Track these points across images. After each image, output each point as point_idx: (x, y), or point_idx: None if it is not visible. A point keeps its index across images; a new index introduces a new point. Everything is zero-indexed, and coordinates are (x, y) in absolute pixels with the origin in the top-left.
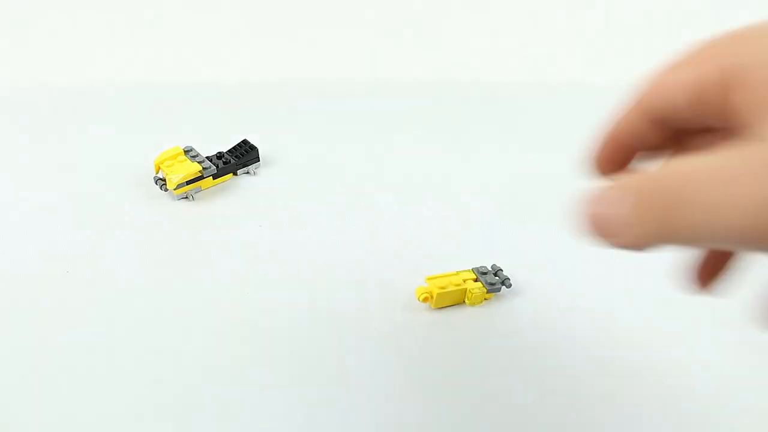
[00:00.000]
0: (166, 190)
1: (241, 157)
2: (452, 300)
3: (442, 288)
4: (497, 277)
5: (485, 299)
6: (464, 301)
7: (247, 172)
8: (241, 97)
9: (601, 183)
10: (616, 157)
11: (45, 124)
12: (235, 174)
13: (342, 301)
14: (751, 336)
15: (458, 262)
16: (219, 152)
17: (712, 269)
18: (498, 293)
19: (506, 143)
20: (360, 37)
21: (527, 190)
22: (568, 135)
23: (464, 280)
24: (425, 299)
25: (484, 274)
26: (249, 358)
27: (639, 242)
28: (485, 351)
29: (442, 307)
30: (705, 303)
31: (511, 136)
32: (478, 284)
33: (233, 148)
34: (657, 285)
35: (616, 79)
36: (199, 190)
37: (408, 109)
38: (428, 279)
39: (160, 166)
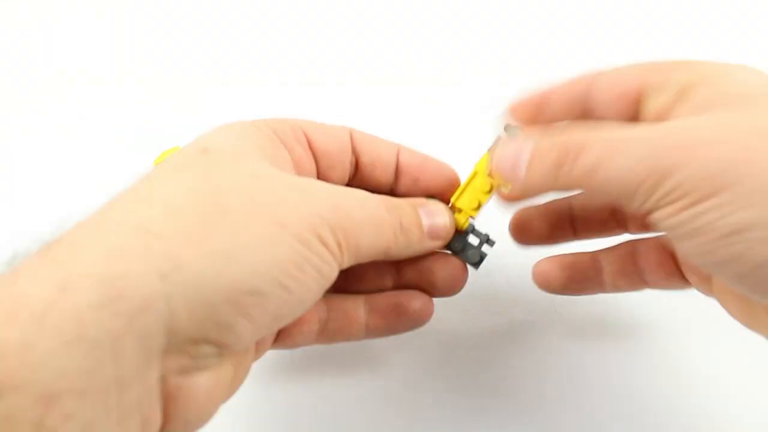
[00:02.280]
0: None
1: None
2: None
3: (476, 208)
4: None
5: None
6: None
7: None
8: (242, 97)
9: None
10: (535, 113)
11: (45, 124)
12: None
13: None
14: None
15: None
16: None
17: (541, 233)
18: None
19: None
20: (361, 38)
21: None
22: None
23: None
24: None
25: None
26: None
27: (531, 185)
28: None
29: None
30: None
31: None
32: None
33: None
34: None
35: None
36: None
37: (409, 110)
38: (453, 199)
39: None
